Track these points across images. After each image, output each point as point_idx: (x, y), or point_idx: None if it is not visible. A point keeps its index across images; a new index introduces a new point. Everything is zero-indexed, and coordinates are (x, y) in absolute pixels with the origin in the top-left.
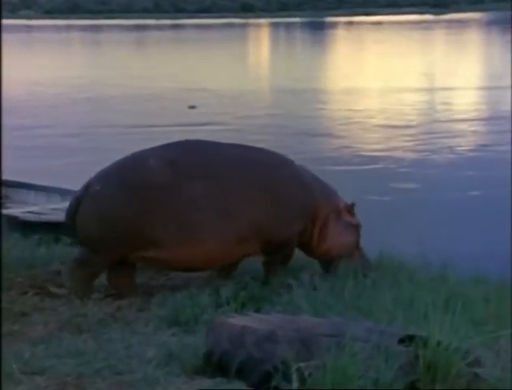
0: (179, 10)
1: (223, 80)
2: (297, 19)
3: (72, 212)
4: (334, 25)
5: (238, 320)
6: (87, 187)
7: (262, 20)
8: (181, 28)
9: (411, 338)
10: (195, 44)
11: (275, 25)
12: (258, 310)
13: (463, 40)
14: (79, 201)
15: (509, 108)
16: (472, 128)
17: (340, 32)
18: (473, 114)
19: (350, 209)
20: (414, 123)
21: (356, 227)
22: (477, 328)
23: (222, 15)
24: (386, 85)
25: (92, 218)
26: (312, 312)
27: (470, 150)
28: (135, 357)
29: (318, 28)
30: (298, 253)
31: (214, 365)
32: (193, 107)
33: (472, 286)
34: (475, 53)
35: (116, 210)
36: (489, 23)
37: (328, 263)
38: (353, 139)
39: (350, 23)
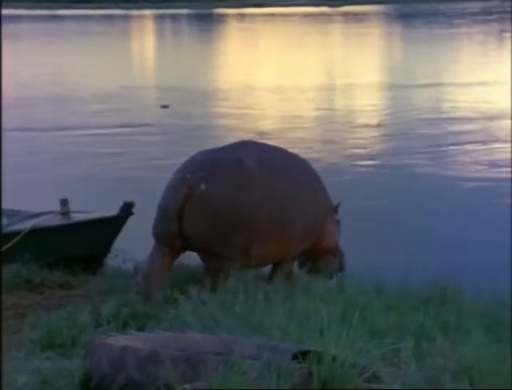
0: (54, 0)
1: (116, 78)
2: (184, 11)
3: (178, 212)
4: (224, 17)
5: (118, 340)
6: (189, 187)
7: (146, 11)
8: (59, 19)
9: (305, 354)
10: (78, 37)
11: (159, 17)
12: (141, 328)
13: (363, 33)
14: (183, 201)
15: (415, 111)
16: (377, 133)
17: (232, 25)
18: (379, 117)
19: (336, 208)
20: (312, 125)
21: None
22: (376, 341)
23: (101, 5)
24: (283, 83)
25: (206, 217)
26: (200, 328)
27: (372, 157)
28: (4, 386)
29: (207, 21)
30: (185, 265)
31: None
32: (165, 107)
33: (371, 296)
34: (377, 47)
35: (228, 208)
36: (389, 17)
37: (315, 261)
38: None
39: (241, 15)
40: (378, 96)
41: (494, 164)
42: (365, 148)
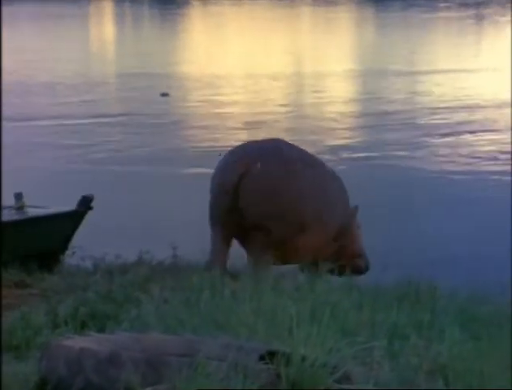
0: None
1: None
2: None
3: (234, 188)
4: (187, 0)
5: (76, 342)
6: (245, 164)
7: None
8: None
9: (273, 354)
10: (37, 21)
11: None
12: (101, 329)
13: (336, 18)
14: (239, 178)
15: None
16: (346, 124)
17: (197, 9)
18: (350, 107)
19: (355, 212)
20: (281, 116)
21: None
22: (348, 339)
23: None
24: (251, 71)
25: (261, 193)
26: (162, 328)
27: (353, 149)
28: None
29: (169, 4)
30: (146, 263)
31: None
32: (165, 95)
33: (342, 293)
34: (347, 33)
35: (280, 188)
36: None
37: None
38: (219, 132)
39: None
40: (357, 84)
41: (475, 156)
42: (346, 139)
